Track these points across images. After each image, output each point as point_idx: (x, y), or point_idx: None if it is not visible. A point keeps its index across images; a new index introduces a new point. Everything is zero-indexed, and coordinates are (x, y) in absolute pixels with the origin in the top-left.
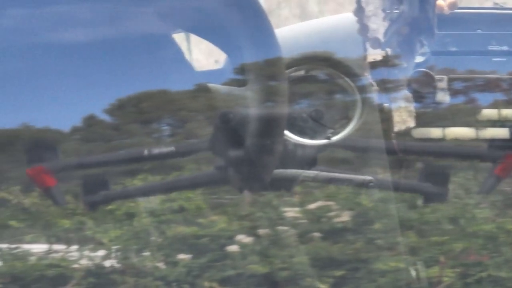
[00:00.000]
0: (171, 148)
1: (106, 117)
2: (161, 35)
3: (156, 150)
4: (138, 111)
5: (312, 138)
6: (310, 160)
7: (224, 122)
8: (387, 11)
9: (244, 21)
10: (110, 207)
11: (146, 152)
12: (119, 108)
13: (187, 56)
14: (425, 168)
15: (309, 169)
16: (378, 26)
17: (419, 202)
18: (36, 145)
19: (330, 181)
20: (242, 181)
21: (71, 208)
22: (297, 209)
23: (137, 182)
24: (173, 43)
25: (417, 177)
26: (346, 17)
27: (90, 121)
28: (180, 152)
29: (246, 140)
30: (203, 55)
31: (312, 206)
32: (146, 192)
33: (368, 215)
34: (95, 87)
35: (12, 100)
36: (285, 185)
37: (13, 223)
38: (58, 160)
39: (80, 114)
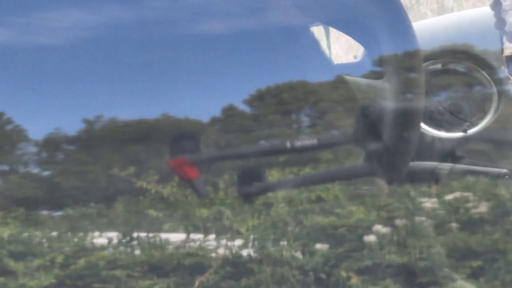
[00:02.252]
0: (314, 141)
1: (246, 108)
2: (301, 27)
3: (298, 143)
4: (278, 102)
5: (448, 131)
6: (448, 152)
7: (365, 116)
8: None
9: (382, 13)
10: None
11: (288, 144)
12: (259, 99)
13: (326, 51)
14: None
15: (446, 161)
16: None
17: None
18: (178, 137)
19: (465, 173)
20: (386, 173)
21: (209, 198)
22: (434, 199)
23: (284, 174)
24: (312, 36)
25: None
26: (484, 11)
27: (230, 111)
28: (322, 145)
29: (385, 132)
30: (343, 51)
31: (450, 197)
32: (298, 183)
33: (506, 206)
34: (235, 77)
35: (153, 91)
36: (424, 177)
37: (151, 212)
38: (200, 151)
39: (220, 104)
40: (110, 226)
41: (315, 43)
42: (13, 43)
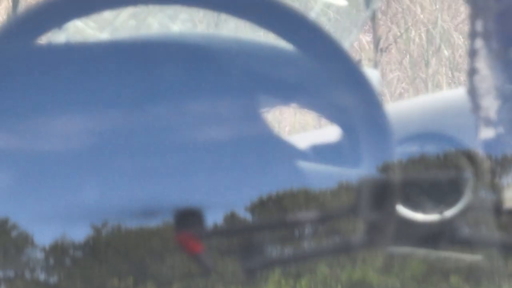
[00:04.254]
0: (316, 212)
1: (247, 215)
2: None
3: (301, 215)
4: (279, 209)
5: (425, 212)
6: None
7: (366, 186)
8: (501, 88)
9: (358, 99)
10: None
11: (291, 216)
12: (260, 206)
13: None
14: None
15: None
16: (490, 104)
17: None
18: (183, 212)
19: None
20: (386, 245)
21: (214, 273)
22: None
23: (289, 247)
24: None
25: None
26: (460, 93)
27: (232, 219)
28: (325, 216)
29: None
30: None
31: None
32: (300, 257)
33: None
34: (237, 185)
35: (155, 198)
36: None
37: None
38: (204, 226)
39: (221, 212)
40: None
41: (316, 148)
42: (18, 148)
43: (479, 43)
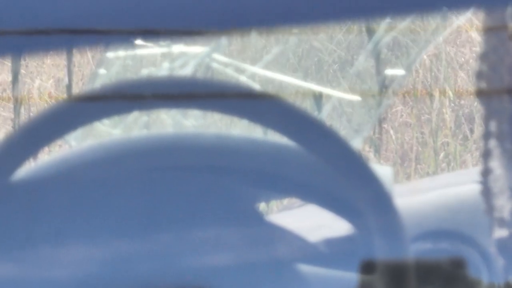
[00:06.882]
0: None
1: None
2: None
3: None
4: None
5: None
6: None
7: (366, 272)
8: None
9: (367, 198)
10: None
11: None
12: None
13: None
14: None
15: None
16: (505, 204)
17: None
18: None
19: None
20: None
21: None
22: None
23: None
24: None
25: None
26: (473, 190)
27: None
28: None
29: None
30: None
31: None
32: None
33: None
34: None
35: None
36: None
37: None
38: None
39: None
40: None
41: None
42: (22, 277)
43: (493, 143)
